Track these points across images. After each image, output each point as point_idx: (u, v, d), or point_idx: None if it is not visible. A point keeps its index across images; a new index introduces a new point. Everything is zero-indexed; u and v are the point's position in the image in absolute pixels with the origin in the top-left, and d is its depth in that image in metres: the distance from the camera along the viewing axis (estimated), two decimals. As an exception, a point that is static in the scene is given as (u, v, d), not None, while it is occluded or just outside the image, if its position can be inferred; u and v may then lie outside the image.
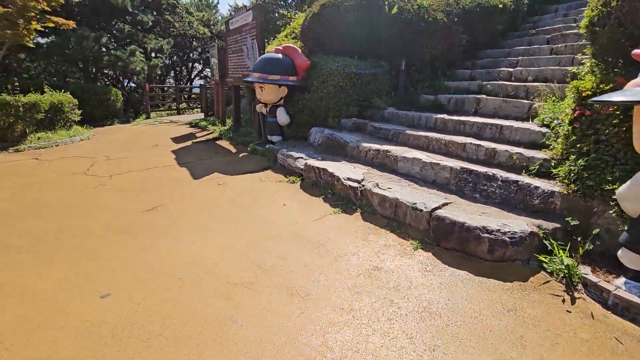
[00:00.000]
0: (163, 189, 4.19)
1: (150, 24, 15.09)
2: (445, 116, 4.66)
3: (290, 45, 5.93)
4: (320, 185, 4.05)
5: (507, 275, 2.34)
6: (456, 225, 2.57)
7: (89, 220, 3.28)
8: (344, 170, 3.90)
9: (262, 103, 6.25)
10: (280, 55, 5.82)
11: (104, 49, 14.57)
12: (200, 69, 26.96)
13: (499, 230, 2.45)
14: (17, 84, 7.81)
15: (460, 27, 6.06)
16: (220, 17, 21.85)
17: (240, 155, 6.13)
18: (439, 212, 2.73)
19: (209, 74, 28.86)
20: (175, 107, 16.08)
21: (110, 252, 2.69)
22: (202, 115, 15.02)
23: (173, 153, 6.45)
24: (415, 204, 2.93)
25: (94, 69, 14.91)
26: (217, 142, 7.64)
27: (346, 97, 5.77)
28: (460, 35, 6.14)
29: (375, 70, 5.92)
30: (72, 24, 7.63)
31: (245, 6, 7.22)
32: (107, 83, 17.56)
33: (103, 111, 12.15)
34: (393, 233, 2.95)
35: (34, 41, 10.88)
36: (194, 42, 20.72)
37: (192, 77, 26.24)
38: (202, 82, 25.44)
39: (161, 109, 16.20)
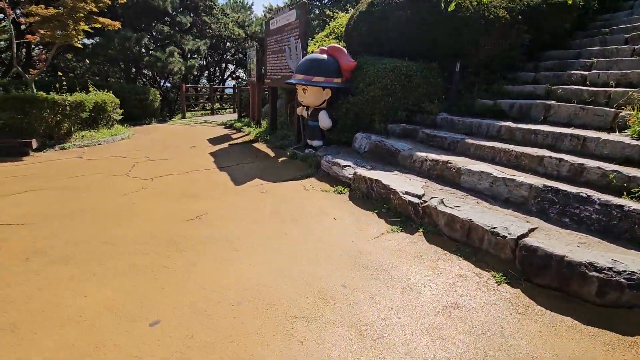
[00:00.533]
0: (205, 195, 4.01)
1: (189, 25, 15.35)
2: (511, 124, 4.18)
3: (336, 45, 5.63)
4: (372, 198, 3.71)
5: (625, 325, 1.91)
6: (553, 259, 2.15)
7: (132, 229, 3.13)
8: (399, 183, 3.54)
9: (303, 106, 6.00)
10: (324, 56, 5.54)
11: (143, 50, 14.98)
12: (233, 69, 27.36)
13: (610, 268, 2.01)
14: (65, 83, 8.01)
15: (523, 26, 5.53)
16: (254, 18, 22.00)
17: (280, 159, 5.90)
18: (528, 241, 2.32)
19: (243, 75, 29.27)
20: (209, 107, 16.28)
21: (156, 268, 2.49)
22: (235, 116, 15.09)
23: (211, 155, 6.33)
24: (494, 228, 2.53)
25: (133, 69, 15.36)
26: (254, 144, 7.48)
27: (394, 100, 5.40)
28: (522, 35, 5.60)
29: (426, 72, 5.51)
30: (117, 24, 7.74)
31: (287, 5, 6.99)
32: (145, 83, 18.08)
33: (142, 110, 12.43)
34: (467, 260, 2.56)
35: (81, 42, 11.30)
36: (227, 43, 20.98)
37: (225, 77, 26.67)
38: (234, 82, 25.81)
39: (195, 109, 16.47)
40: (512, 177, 3.12)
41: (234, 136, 8.85)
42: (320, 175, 4.72)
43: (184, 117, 14.41)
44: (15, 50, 7.53)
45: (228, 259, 2.62)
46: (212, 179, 4.71)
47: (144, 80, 18.44)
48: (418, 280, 2.36)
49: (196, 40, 15.84)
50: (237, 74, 28.81)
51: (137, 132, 9.80)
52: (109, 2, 7.70)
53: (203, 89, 17.01)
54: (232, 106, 17.82)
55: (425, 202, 3.12)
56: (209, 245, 2.84)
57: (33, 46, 15.59)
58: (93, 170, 5.22)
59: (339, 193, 4.03)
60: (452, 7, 5.19)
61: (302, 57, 5.93)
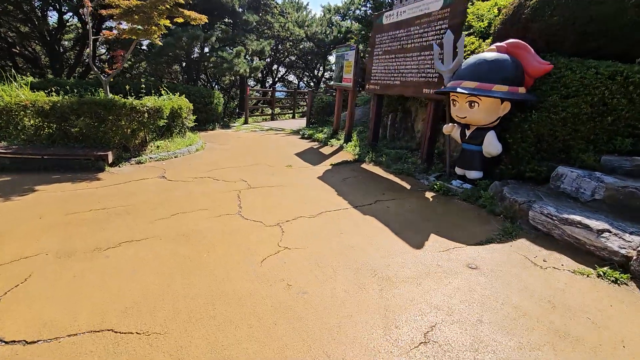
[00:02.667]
0: (395, 275, 2.54)
1: (255, 24, 14.33)
2: None
3: (519, 41, 4.04)
4: None
5: None
6: None
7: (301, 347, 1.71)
8: None
9: (458, 123, 4.46)
10: (506, 57, 3.97)
11: (206, 50, 14.13)
12: (284, 72, 26.38)
13: None
14: (143, 86, 6.99)
15: None
16: (313, 18, 20.82)
17: (427, 195, 4.37)
18: None
19: (291, 78, 28.29)
20: (269, 113, 15.15)
21: None
22: (300, 122, 13.89)
23: (323, 182, 4.93)
24: None
25: (195, 70, 14.55)
26: (362, 165, 6.02)
27: (613, 120, 3.71)
28: None
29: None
30: (204, 18, 6.60)
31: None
32: (206, 85, 17.35)
33: (206, 115, 11.44)
34: None
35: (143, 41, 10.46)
36: (287, 44, 19.93)
37: (275, 80, 25.74)
38: (279, 85, 24.88)
39: (256, 113, 15.43)
40: None
41: (322, 151, 7.47)
42: (532, 236, 3.12)
43: (246, 122, 13.35)
44: (92, 48, 6.59)
45: None
46: (366, 231, 3.27)
47: (204, 82, 17.72)
48: None
49: (261, 40, 14.79)
50: (286, 77, 27.89)
51: (206, 140, 8.71)
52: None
53: (269, 93, 15.81)
54: (290, 111, 16.66)
55: None
56: None
57: (98, 44, 15.26)
58: (190, 202, 3.96)
59: (611, 282, 2.42)
60: None
61: (455, 57, 4.39)
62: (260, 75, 21.76)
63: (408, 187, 4.70)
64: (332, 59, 29.33)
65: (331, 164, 6.07)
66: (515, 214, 3.39)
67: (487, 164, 4.32)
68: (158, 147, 6.76)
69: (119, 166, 5.62)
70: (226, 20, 14.53)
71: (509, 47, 4.01)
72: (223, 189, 4.51)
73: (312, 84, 26.09)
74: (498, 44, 4.09)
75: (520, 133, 4.09)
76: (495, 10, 5.89)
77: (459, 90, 3.97)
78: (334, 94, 14.94)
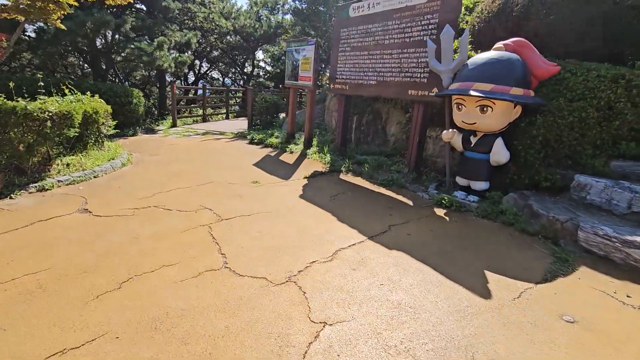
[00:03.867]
0: (468, 348, 1.85)
1: (177, 12, 12.43)
2: None
3: (524, 40, 3.71)
4: None
5: None
6: None
7: None
8: None
9: (461, 129, 4.01)
10: (516, 56, 3.60)
11: (122, 38, 11.77)
12: (207, 68, 24.17)
13: None
14: (41, 84, 5.10)
15: None
16: (240, 10, 19.25)
17: (439, 212, 3.81)
18: None
19: (216, 75, 26.12)
20: (200, 114, 13.41)
21: None
22: (236, 123, 12.62)
23: (309, 201, 4.05)
24: None
25: (103, 64, 12.03)
26: (341, 176, 5.28)
27: (619, 124, 3.61)
28: None
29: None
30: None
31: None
32: (115, 81, 14.66)
33: (124, 118, 9.47)
34: None
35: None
36: (212, 37, 18.04)
37: (198, 77, 23.44)
38: (202, 82, 22.91)
39: (184, 114, 13.54)
40: None
41: (284, 159, 6.51)
42: (589, 261, 2.74)
43: (174, 125, 11.51)
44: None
45: None
46: (409, 278, 2.53)
47: (113, 78, 14.95)
48: None
49: (185, 31, 12.92)
50: (209, 73, 25.66)
51: (131, 149, 7.03)
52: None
53: (198, 91, 13.95)
54: (223, 111, 15.09)
55: None
56: None
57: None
58: (142, 253, 2.74)
59: None
60: None
61: (455, 56, 3.93)
62: (184, 71, 19.41)
63: (410, 203, 4.11)
64: (259, 54, 27.90)
65: (305, 177, 5.19)
66: (556, 233, 3.02)
67: (492, 174, 3.95)
68: (68, 165, 5.06)
69: (11, 197, 3.94)
70: (138, 6, 12.29)
71: (516, 45, 3.67)
72: (184, 224, 3.32)
73: (241, 81, 24.42)
74: (505, 42, 3.72)
75: (529, 139, 3.79)
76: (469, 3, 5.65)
77: (472, 93, 3.48)
78: (275, 92, 13.89)
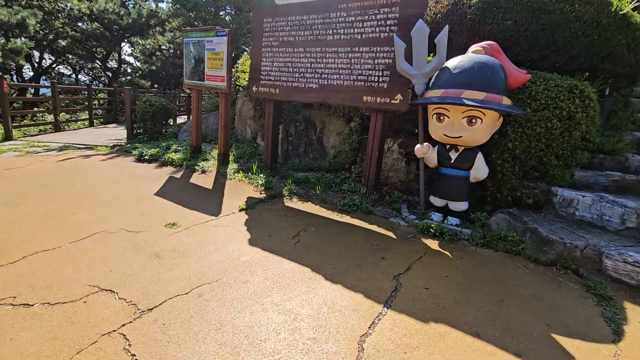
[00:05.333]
0: None
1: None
2: None
3: (496, 44, 3.38)
4: None
5: None
6: None
7: None
8: None
9: (439, 143, 3.49)
10: (498, 62, 3.23)
11: None
12: (53, 61, 18.98)
13: None
14: None
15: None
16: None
17: (432, 246, 3.15)
18: None
19: (66, 71, 20.84)
20: (51, 120, 10.03)
21: None
22: (107, 132, 10.05)
23: (268, 251, 2.88)
24: None
25: None
26: (287, 204, 4.18)
27: (580, 134, 3.63)
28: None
29: (593, 96, 3.95)
30: None
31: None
32: None
33: None
34: None
35: None
36: (57, 21, 13.98)
37: (40, 72, 18.22)
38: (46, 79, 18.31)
39: (24, 122, 9.93)
40: None
41: (196, 182, 4.98)
42: (624, 292, 2.44)
43: (8, 138, 8.18)
44: None
45: None
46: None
47: None
48: None
49: (15, 8, 9.38)
50: (55, 67, 20.30)
51: None
52: None
53: (38, 89, 10.25)
54: (86, 116, 11.81)
55: None
56: None
57: None
58: None
59: None
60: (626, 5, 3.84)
61: (430, 59, 3.36)
62: (19, 63, 14.50)
63: (392, 235, 3.35)
64: (127, 48, 23.48)
65: (241, 209, 3.91)
66: (575, 262, 2.70)
67: (471, 192, 3.55)
68: None
69: None
70: None
71: (492, 50, 3.30)
72: (64, 340, 1.77)
73: (103, 78, 20.04)
74: (482, 44, 3.31)
75: (505, 152, 3.51)
76: None
77: (466, 102, 2.93)
78: (158, 94, 11.43)
